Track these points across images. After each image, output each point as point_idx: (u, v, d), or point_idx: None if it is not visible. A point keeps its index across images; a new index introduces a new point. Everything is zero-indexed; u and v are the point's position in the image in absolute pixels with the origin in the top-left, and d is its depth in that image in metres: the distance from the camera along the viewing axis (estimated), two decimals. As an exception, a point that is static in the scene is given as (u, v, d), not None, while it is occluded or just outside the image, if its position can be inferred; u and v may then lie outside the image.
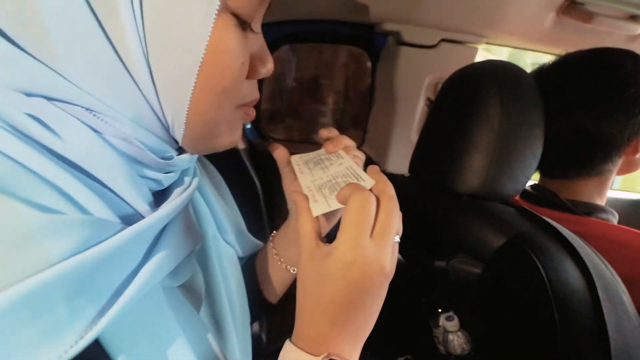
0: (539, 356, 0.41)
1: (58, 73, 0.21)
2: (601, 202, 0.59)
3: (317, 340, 0.27)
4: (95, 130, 0.23)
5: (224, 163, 0.46)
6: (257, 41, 0.28)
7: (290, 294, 0.47)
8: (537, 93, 0.50)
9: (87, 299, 0.20)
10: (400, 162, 0.97)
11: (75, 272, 0.19)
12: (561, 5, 0.74)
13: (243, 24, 0.25)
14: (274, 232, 0.46)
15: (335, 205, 0.29)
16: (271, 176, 1.05)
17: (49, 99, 0.22)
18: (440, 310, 0.65)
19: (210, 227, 0.37)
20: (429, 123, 0.61)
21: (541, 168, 0.61)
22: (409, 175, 0.68)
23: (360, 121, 1.08)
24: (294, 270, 0.44)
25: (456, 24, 0.83)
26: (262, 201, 1.02)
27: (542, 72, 0.60)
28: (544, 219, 0.46)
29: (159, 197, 0.28)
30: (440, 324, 0.64)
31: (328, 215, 0.39)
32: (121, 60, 0.22)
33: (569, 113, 0.54)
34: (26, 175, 0.19)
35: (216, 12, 0.22)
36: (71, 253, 0.19)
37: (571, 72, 0.56)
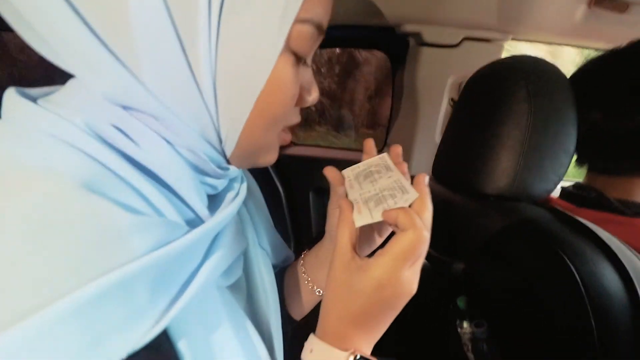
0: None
1: (141, 82, 0.24)
2: None
3: (343, 339, 0.30)
4: (167, 142, 0.26)
5: (249, 169, 0.47)
6: (307, 73, 0.31)
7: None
8: (567, 87, 0.48)
9: (161, 290, 0.22)
10: (424, 163, 0.96)
11: (154, 265, 0.21)
12: (593, -5, 0.70)
13: (299, 60, 0.28)
14: (305, 250, 0.48)
15: (377, 217, 0.30)
16: (293, 180, 1.07)
17: (129, 108, 0.25)
18: (468, 317, 0.62)
19: (250, 231, 0.39)
20: (453, 122, 0.60)
21: (590, 162, 0.57)
22: (432, 176, 0.67)
23: (383, 123, 1.07)
24: (319, 292, 0.45)
25: (479, 22, 0.80)
26: (285, 208, 1.03)
27: (600, 62, 0.56)
28: (577, 220, 0.43)
29: (211, 200, 0.31)
30: (469, 330, 0.62)
31: (370, 239, 0.40)
32: (195, 79, 0.24)
33: (624, 106, 0.51)
34: (114, 179, 0.22)
35: (279, 51, 0.25)
36: (151, 249, 0.22)
37: (628, 63, 0.52)
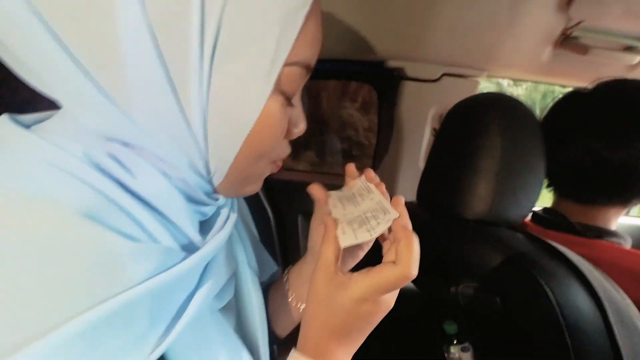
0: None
1: (130, 118, 0.24)
2: (614, 227, 0.59)
3: (323, 353, 0.31)
4: (161, 172, 0.26)
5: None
6: (295, 107, 0.31)
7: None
8: (535, 122, 0.52)
9: (159, 316, 0.23)
10: (409, 189, 0.99)
11: (153, 292, 0.22)
12: (557, 39, 0.77)
13: (287, 98, 0.28)
14: (289, 266, 0.47)
15: (362, 238, 0.31)
16: (282, 204, 1.08)
17: (123, 143, 0.26)
18: (455, 341, 0.63)
19: (239, 251, 0.40)
20: (434, 152, 0.63)
21: (557, 189, 0.63)
22: (417, 201, 0.69)
23: (369, 150, 1.11)
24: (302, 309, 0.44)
25: (457, 59, 0.87)
26: (274, 231, 1.04)
27: (577, 97, 0.61)
28: (550, 243, 0.46)
29: (202, 225, 0.31)
30: (456, 355, 0.63)
31: (353, 253, 0.40)
32: (185, 118, 0.25)
33: (588, 140, 0.56)
34: (112, 207, 0.23)
35: (269, 93, 0.25)
36: (149, 276, 0.22)
37: (595, 101, 0.58)
